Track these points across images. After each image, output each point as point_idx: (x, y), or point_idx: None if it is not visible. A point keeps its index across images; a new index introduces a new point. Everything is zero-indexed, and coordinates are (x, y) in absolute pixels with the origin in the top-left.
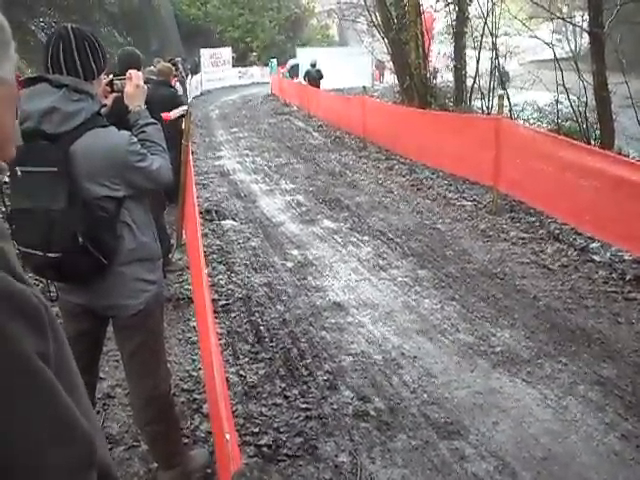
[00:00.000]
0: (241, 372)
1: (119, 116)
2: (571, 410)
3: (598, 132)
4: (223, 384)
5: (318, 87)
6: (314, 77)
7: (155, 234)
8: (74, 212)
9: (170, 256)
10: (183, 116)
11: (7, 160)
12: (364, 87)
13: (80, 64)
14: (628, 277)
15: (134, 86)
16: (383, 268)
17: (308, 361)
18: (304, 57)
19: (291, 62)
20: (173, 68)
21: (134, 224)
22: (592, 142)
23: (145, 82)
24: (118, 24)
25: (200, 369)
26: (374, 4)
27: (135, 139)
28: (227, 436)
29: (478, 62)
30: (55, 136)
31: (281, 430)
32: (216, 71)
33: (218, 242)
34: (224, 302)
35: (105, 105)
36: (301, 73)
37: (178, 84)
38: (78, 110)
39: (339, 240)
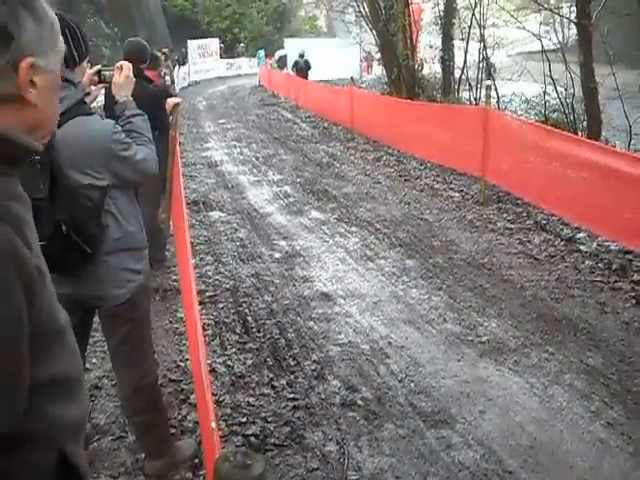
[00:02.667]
0: (228, 362)
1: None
2: (557, 399)
3: (585, 123)
4: (206, 373)
5: (306, 78)
6: (302, 68)
7: (141, 223)
8: (57, 201)
9: (166, 253)
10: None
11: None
12: (352, 78)
13: None
14: (614, 267)
15: (123, 77)
16: (370, 258)
17: (296, 351)
18: (292, 48)
19: (279, 53)
20: (162, 58)
21: (119, 213)
22: (579, 133)
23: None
24: (104, 14)
25: (187, 360)
26: None
27: (119, 128)
28: (212, 424)
29: (466, 53)
30: None
31: (269, 420)
32: (204, 62)
33: (205, 233)
34: (211, 293)
35: (89, 93)
36: (289, 64)
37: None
38: (60, 98)
39: (327, 231)
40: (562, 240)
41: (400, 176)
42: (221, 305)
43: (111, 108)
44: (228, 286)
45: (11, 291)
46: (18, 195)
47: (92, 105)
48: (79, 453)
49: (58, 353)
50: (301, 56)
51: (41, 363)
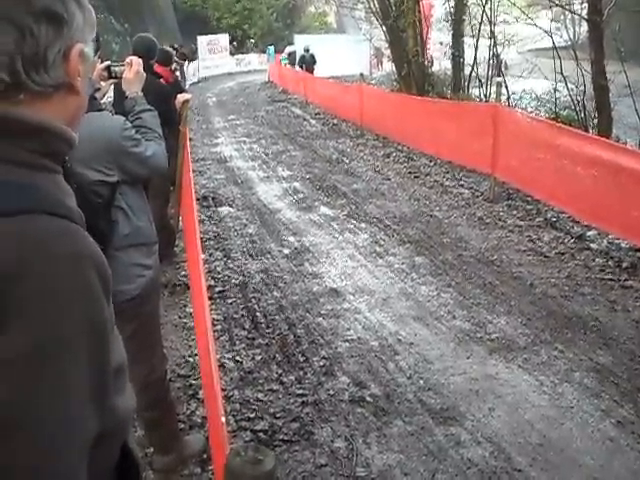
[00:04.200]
0: (237, 358)
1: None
2: (567, 396)
3: (596, 121)
4: (215, 368)
5: (312, 72)
6: (308, 62)
7: (150, 218)
8: None
9: (175, 249)
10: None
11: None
12: (361, 75)
13: None
14: (624, 265)
15: (134, 72)
16: (380, 255)
17: (304, 347)
18: (301, 44)
19: (288, 49)
20: (174, 53)
21: (129, 209)
22: (590, 130)
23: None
24: (115, 10)
25: (196, 355)
26: None
27: (129, 124)
28: (223, 419)
29: (476, 50)
30: None
31: (277, 416)
32: (213, 58)
33: (215, 229)
34: (220, 288)
35: (99, 89)
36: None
37: (178, 72)
38: None
39: (336, 227)
40: (572, 238)
41: (410, 173)
42: (230, 301)
43: (121, 104)
44: (237, 282)
45: (97, 293)
46: (70, 191)
47: (102, 101)
48: (133, 443)
49: (118, 341)
50: (306, 50)
51: (113, 353)
